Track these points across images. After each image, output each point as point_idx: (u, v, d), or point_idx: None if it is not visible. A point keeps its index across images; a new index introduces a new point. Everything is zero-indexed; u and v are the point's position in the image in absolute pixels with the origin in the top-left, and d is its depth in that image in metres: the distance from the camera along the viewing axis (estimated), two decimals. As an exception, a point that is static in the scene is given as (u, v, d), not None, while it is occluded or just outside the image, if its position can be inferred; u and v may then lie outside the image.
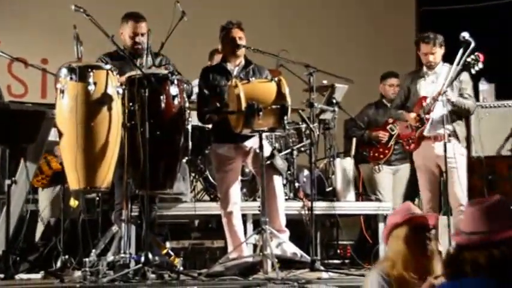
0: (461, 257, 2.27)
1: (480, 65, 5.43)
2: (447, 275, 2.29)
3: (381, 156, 6.80)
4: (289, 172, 6.17)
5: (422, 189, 5.81)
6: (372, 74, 7.49)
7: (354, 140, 6.77)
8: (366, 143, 6.83)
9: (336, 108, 6.36)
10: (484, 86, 6.91)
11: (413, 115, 5.66)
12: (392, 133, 6.77)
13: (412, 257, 3.06)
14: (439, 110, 5.55)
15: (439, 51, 5.61)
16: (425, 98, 5.65)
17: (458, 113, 5.61)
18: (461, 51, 5.35)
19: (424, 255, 3.06)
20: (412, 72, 5.90)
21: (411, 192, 6.84)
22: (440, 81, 5.62)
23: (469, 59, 5.42)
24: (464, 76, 5.62)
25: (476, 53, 5.42)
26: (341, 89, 6.40)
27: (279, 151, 5.88)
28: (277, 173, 5.15)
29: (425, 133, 5.59)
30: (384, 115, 6.89)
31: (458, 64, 5.43)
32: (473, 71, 5.47)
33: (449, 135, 5.56)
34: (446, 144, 5.45)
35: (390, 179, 6.84)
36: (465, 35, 5.36)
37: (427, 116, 5.59)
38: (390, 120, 6.81)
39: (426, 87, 5.68)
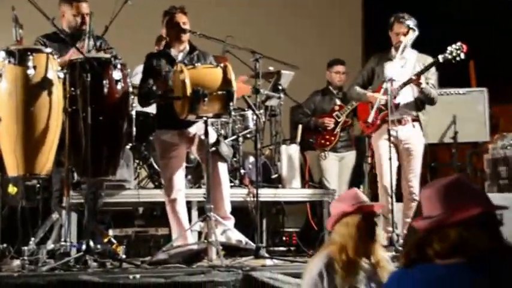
0: (419, 242, 2.18)
1: (462, 56, 5.48)
2: (404, 261, 2.20)
3: (327, 143, 6.86)
4: (234, 159, 6.17)
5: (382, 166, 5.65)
6: (320, 61, 7.54)
7: (300, 126, 6.80)
8: (312, 130, 6.88)
9: (282, 95, 6.39)
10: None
11: (382, 96, 5.50)
12: (339, 120, 6.84)
13: (363, 242, 3.22)
14: (406, 96, 5.60)
15: (411, 34, 5.58)
16: (391, 81, 5.58)
17: (423, 101, 5.67)
18: (406, 39, 5.43)
19: (372, 240, 3.24)
20: (379, 54, 5.83)
21: (356, 178, 6.95)
22: (409, 67, 5.64)
23: (452, 49, 5.46)
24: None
25: (459, 43, 5.47)
26: (287, 75, 6.43)
27: (225, 137, 5.88)
28: (222, 159, 5.15)
29: (391, 117, 5.52)
30: (330, 102, 6.95)
31: (402, 52, 5.50)
32: (453, 61, 5.51)
33: (413, 121, 5.63)
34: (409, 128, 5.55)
35: (336, 166, 6.91)
36: (409, 23, 5.44)
37: (394, 100, 5.59)
38: (336, 107, 6.89)
39: (393, 70, 5.61)
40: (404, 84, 5.54)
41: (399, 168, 5.62)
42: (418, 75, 5.50)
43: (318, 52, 8.51)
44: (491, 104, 7.15)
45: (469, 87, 7.53)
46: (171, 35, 5.19)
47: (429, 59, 5.65)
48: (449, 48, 5.47)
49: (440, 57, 5.49)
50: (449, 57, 5.47)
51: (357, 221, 3.24)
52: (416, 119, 5.65)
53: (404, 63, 5.67)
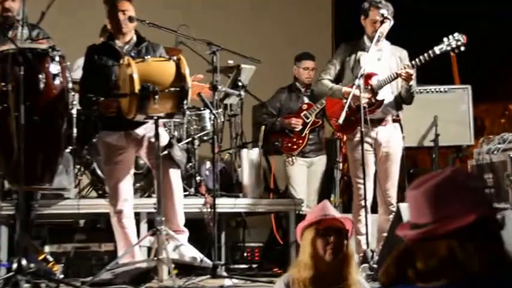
0: (400, 256, 2.01)
1: (463, 48, 5.52)
2: (383, 281, 2.02)
3: (295, 146, 6.90)
4: (189, 164, 6.18)
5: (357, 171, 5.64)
6: (286, 54, 7.59)
7: (263, 128, 6.84)
8: (278, 132, 6.91)
9: (242, 92, 6.41)
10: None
11: (363, 94, 5.40)
12: (307, 121, 6.89)
13: (319, 260, 3.22)
14: (386, 92, 5.63)
15: (388, 24, 5.60)
16: (370, 75, 5.59)
17: (403, 99, 5.71)
18: (379, 30, 5.49)
19: (332, 259, 3.22)
20: (350, 43, 5.80)
21: (327, 187, 7.01)
22: (385, 60, 5.66)
23: (451, 40, 5.50)
24: (407, 57, 5.72)
25: (458, 34, 5.51)
26: (248, 70, 6.46)
27: (178, 140, 5.88)
28: (175, 165, 5.16)
29: (370, 116, 5.50)
30: (297, 101, 7.00)
31: (377, 43, 5.53)
32: (452, 54, 5.57)
33: (393, 121, 5.68)
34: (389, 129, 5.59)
35: (304, 173, 6.96)
36: (384, 12, 5.50)
37: (378, 98, 5.59)
38: (304, 107, 6.94)
39: (369, 63, 5.59)
40: (392, 79, 5.57)
41: (374, 175, 5.66)
42: (410, 68, 5.50)
43: (284, 44, 8.56)
44: (476, 103, 7.24)
45: (451, 84, 7.60)
46: (113, 24, 5.19)
47: (404, 52, 5.70)
48: (446, 38, 5.52)
49: (437, 49, 5.51)
50: (448, 48, 5.52)
51: (311, 235, 3.25)
52: (396, 119, 5.71)
53: (381, 56, 5.71)
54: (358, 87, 5.38)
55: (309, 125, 6.90)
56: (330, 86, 5.71)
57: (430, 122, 6.92)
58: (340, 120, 5.35)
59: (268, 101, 7.06)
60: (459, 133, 6.96)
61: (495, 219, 2.00)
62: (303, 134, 6.91)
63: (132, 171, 5.29)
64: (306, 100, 6.99)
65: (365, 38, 5.69)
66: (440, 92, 7.06)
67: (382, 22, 5.53)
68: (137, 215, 5.48)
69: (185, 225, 5.23)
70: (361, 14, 5.67)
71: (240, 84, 6.40)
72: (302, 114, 6.92)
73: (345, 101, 5.49)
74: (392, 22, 5.57)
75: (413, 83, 5.58)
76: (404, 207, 5.26)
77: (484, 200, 2.03)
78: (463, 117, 6.96)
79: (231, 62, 6.43)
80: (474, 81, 7.19)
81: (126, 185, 5.18)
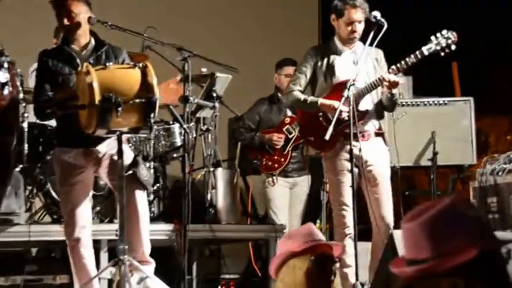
0: None
1: (453, 47, 5.47)
2: None
3: (276, 165, 6.88)
4: (157, 185, 6.14)
5: (342, 197, 5.58)
6: (266, 61, 7.59)
7: (240, 144, 6.83)
8: (257, 149, 6.89)
9: (217, 104, 6.38)
10: (400, 78, 7.05)
11: (342, 107, 5.29)
12: (290, 136, 6.88)
13: None
14: (367, 101, 5.58)
15: (363, 24, 5.56)
16: (348, 82, 5.43)
17: (386, 108, 5.66)
18: (372, 34, 5.44)
19: None
20: (320, 47, 5.77)
21: (312, 211, 6.98)
22: (361, 64, 5.55)
23: (439, 38, 5.45)
24: (383, 59, 5.68)
25: (448, 31, 5.47)
26: (223, 79, 6.42)
27: (144, 158, 5.86)
28: (140, 186, 5.12)
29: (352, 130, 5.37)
30: (279, 113, 6.98)
31: (371, 45, 5.48)
32: (442, 54, 5.49)
33: (376, 134, 5.63)
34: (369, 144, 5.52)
35: (286, 195, 6.95)
36: (376, 14, 5.45)
37: (360, 108, 5.50)
38: (287, 120, 6.91)
39: (345, 68, 5.56)
40: (375, 86, 5.50)
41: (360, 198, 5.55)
42: (394, 73, 5.44)
43: (265, 50, 8.56)
44: (479, 117, 7.28)
45: (451, 95, 7.65)
46: (62, 28, 5.17)
47: (380, 53, 5.66)
48: (434, 37, 5.47)
49: (425, 49, 5.45)
50: (437, 48, 5.47)
51: (306, 265, 3.16)
52: (379, 132, 5.66)
53: (356, 59, 5.62)
54: (348, 99, 5.31)
55: (291, 141, 6.87)
56: (302, 97, 5.64)
57: (427, 139, 6.92)
58: (327, 136, 5.26)
59: (245, 114, 7.04)
60: (460, 151, 6.97)
61: (500, 252, 2.04)
62: (285, 151, 6.88)
63: (91, 193, 5.24)
64: (289, 113, 6.97)
65: (336, 40, 5.66)
66: (439, 104, 7.06)
67: (361, 22, 5.51)
68: (97, 243, 5.44)
69: (151, 255, 5.18)
70: (332, 13, 5.62)
71: (214, 95, 6.35)
72: (284, 128, 6.91)
73: (320, 114, 5.49)
74: (363, 21, 5.54)
75: (396, 90, 5.53)
76: (398, 235, 5.22)
77: (487, 232, 2.05)
78: (465, 133, 6.97)
79: (204, 69, 6.39)
80: (477, 93, 7.21)
81: (85, 209, 5.12)
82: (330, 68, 5.61)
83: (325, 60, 5.65)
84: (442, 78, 7.68)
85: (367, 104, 5.57)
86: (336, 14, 5.60)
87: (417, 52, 5.45)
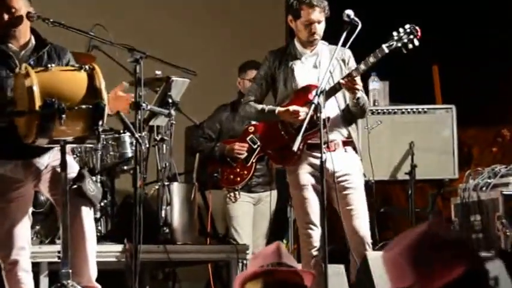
0: None
1: (416, 42, 5.48)
2: None
3: (238, 179, 6.88)
4: (104, 201, 6.10)
5: (309, 215, 5.57)
6: (228, 64, 7.63)
7: (199, 156, 6.87)
8: (217, 161, 6.89)
9: (173, 111, 6.35)
10: (375, 84, 7.16)
11: (305, 110, 5.35)
12: (254, 146, 6.86)
13: None
14: (332, 107, 5.56)
15: (323, 24, 5.58)
16: (309, 88, 5.52)
17: (353, 114, 5.64)
18: (344, 34, 5.43)
19: None
20: (277, 51, 5.75)
21: (278, 230, 7.01)
22: (324, 67, 5.55)
23: (400, 34, 5.47)
24: (352, 59, 5.67)
25: (410, 25, 5.49)
26: (180, 83, 6.40)
27: (91, 171, 5.84)
28: (86, 202, 5.05)
29: (314, 140, 5.41)
30: (242, 121, 6.97)
31: (344, 46, 5.49)
32: (404, 51, 5.50)
33: (344, 143, 5.61)
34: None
35: (250, 212, 6.98)
36: (350, 13, 5.45)
37: (322, 115, 5.37)
38: (251, 129, 6.90)
39: (305, 73, 5.58)
40: (335, 90, 5.48)
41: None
42: (354, 76, 5.43)
43: (227, 52, 8.58)
44: (462, 127, 7.35)
45: (431, 103, 7.68)
46: (2, 23, 5.09)
47: (347, 52, 5.66)
48: (395, 33, 5.49)
49: (385, 47, 5.47)
50: (398, 45, 5.48)
51: None
52: (348, 141, 5.64)
53: (318, 61, 5.65)
54: (317, 107, 5.29)
55: (256, 152, 6.86)
56: (260, 107, 5.66)
57: (405, 150, 6.96)
58: (295, 147, 5.28)
59: (205, 122, 7.05)
60: (441, 164, 7.03)
61: (486, 272, 2.18)
62: (249, 164, 6.88)
63: (31, 210, 5.17)
64: (253, 121, 6.95)
65: (296, 42, 5.67)
66: (418, 112, 7.11)
67: (320, 22, 5.53)
68: (36, 266, 5.39)
69: (98, 280, 5.11)
70: (290, 13, 5.64)
71: (170, 101, 6.33)
72: (248, 138, 6.90)
73: (280, 125, 5.52)
74: (323, 20, 5.55)
75: (361, 94, 5.53)
76: (373, 256, 5.23)
77: (469, 253, 2.21)
78: (446, 145, 7.03)
79: (159, 72, 6.39)
80: (460, 100, 7.26)
81: (23, 229, 5.05)
82: (290, 73, 5.62)
83: (284, 64, 5.66)
84: (422, 83, 7.72)
85: (329, 110, 5.54)
86: (293, 15, 5.61)
87: (377, 50, 5.48)
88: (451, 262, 2.15)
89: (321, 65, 5.61)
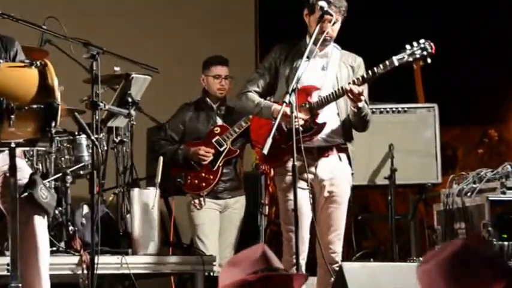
0: None
1: (429, 60, 5.58)
2: None
3: (203, 184, 6.93)
4: (58, 209, 6.09)
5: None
6: (192, 60, 7.64)
7: (161, 159, 6.76)
8: (181, 165, 6.92)
9: (133, 111, 6.36)
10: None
11: (300, 114, 5.44)
12: (221, 149, 6.92)
13: None
14: (330, 114, 5.64)
15: (338, 25, 5.62)
16: (309, 89, 5.59)
17: (354, 125, 5.72)
18: (317, 28, 5.50)
19: None
20: (286, 45, 5.80)
21: (248, 239, 6.96)
22: (332, 70, 5.66)
23: (416, 49, 5.54)
24: (362, 67, 5.73)
25: (425, 41, 5.56)
26: (140, 81, 6.41)
27: (43, 176, 5.82)
28: (39, 210, 5.03)
29: (308, 144, 5.52)
30: (207, 122, 7.03)
31: (313, 42, 5.53)
32: (414, 66, 5.63)
33: (338, 149, 5.68)
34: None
35: (216, 220, 7.00)
36: (323, 4, 5.50)
37: (317, 119, 5.58)
38: (217, 130, 6.95)
39: (311, 73, 5.59)
40: (336, 96, 5.57)
41: (313, 222, 5.64)
42: (358, 84, 5.52)
43: (193, 47, 8.58)
44: (445, 127, 7.39)
45: (412, 101, 7.74)
46: None
47: (358, 60, 5.76)
48: (408, 46, 5.57)
49: (396, 60, 5.56)
50: (410, 59, 5.59)
51: None
52: (343, 149, 5.73)
53: (326, 64, 5.73)
54: (289, 104, 5.36)
55: (222, 156, 6.93)
56: (256, 101, 5.72)
57: (383, 153, 7.00)
58: (265, 149, 5.28)
59: (167, 123, 7.06)
60: (422, 168, 7.06)
61: None
62: (215, 167, 6.93)
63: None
64: (219, 121, 7.04)
65: (307, 39, 5.70)
66: (398, 112, 7.17)
67: (320, 17, 5.53)
68: (-17, 280, 5.34)
69: (53, 294, 5.12)
70: (305, 7, 5.69)
71: (129, 100, 6.35)
72: (214, 140, 6.95)
73: (273, 122, 5.48)
74: (339, 21, 5.59)
75: (363, 104, 5.60)
76: (348, 267, 5.27)
77: (507, 269, 2.31)
78: (428, 147, 7.08)
79: (117, 69, 6.39)
80: (442, 99, 7.29)
81: (-31, 239, 5.06)
82: (294, 71, 5.61)
83: (291, 61, 5.71)
84: (402, 80, 7.73)
85: (329, 116, 5.65)
86: (308, 10, 5.67)
87: (387, 62, 5.57)
88: (490, 279, 2.24)
89: (328, 67, 5.68)
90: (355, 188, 6.49)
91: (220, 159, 6.92)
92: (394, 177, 6.91)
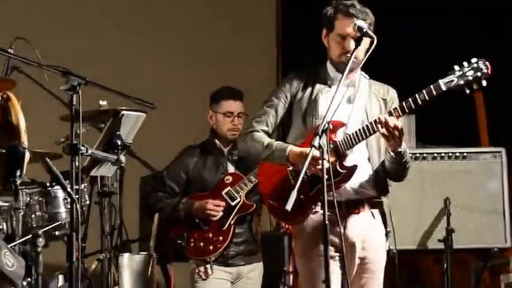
0: None
1: (484, 82, 5.43)
2: None
3: (211, 247, 6.86)
4: (27, 280, 5.87)
5: None
6: (198, 94, 7.63)
7: (158, 216, 6.81)
8: (183, 223, 6.86)
9: (123, 157, 6.22)
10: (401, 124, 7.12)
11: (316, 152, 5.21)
12: (233, 203, 6.86)
13: None
14: (362, 158, 5.55)
15: (365, 44, 5.51)
16: (335, 126, 5.40)
17: (389, 174, 5.62)
18: (354, 53, 5.38)
19: None
20: (303, 72, 5.72)
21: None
22: (360, 103, 5.59)
23: (467, 70, 5.44)
24: (396, 101, 5.65)
25: (479, 60, 5.46)
26: (132, 119, 6.33)
27: (8, 239, 5.73)
28: (3, 282, 5.12)
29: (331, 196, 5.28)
30: (216, 168, 6.98)
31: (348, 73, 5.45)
32: (467, 91, 5.45)
33: (370, 204, 5.58)
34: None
35: (226, 292, 6.98)
36: (361, 24, 5.41)
37: (345, 162, 5.42)
38: (228, 180, 6.90)
39: (335, 105, 5.39)
40: (369, 132, 5.43)
41: None
42: (396, 115, 5.39)
43: (198, 79, 8.64)
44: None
45: (473, 145, 7.71)
46: None
47: (392, 92, 5.70)
48: (457, 67, 5.45)
49: (443, 84, 5.41)
50: (461, 82, 5.44)
51: None
52: (376, 203, 5.63)
53: (354, 95, 5.62)
54: (320, 148, 5.18)
55: (235, 211, 6.86)
56: (266, 142, 5.61)
57: (438, 210, 6.98)
58: (289, 205, 5.10)
59: (166, 170, 7.01)
60: (487, 228, 7.03)
61: None
62: (225, 227, 6.86)
63: None
64: (231, 168, 6.99)
65: (328, 65, 5.67)
66: (456, 158, 7.16)
67: (358, 40, 5.47)
68: None
69: None
70: (324, 25, 5.63)
71: (119, 142, 6.24)
72: (224, 192, 6.90)
73: (290, 168, 5.46)
74: (375, 41, 5.48)
75: (404, 147, 5.51)
76: None
77: None
78: (493, 202, 7.06)
79: (104, 103, 6.38)
80: (512, 142, 7.31)
81: None
82: (312, 104, 5.58)
83: (309, 92, 5.64)
84: (460, 117, 7.66)
85: (358, 158, 5.53)
86: (327, 26, 5.61)
87: (432, 87, 5.42)
88: None
89: (356, 99, 5.59)
90: (401, 253, 6.38)
91: (232, 216, 6.86)
92: (451, 240, 6.88)
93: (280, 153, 5.51)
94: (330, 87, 5.57)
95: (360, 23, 5.43)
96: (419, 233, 6.99)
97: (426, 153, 6.89)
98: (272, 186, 5.67)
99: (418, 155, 7.03)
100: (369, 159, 5.57)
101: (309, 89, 5.63)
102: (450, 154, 7.10)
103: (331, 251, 5.38)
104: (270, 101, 5.69)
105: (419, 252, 7.16)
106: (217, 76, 8.26)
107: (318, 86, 5.61)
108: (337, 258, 5.47)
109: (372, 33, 5.44)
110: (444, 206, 6.91)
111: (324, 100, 5.54)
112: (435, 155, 7.04)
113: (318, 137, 5.22)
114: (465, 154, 7.12)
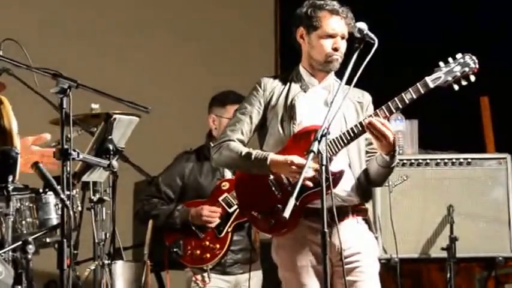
0: None
1: (472, 78, 5.50)
2: None
3: (207, 255, 6.93)
4: (18, 288, 6.04)
5: None
6: (197, 95, 7.75)
7: (152, 223, 6.87)
8: (178, 230, 6.93)
9: (115, 162, 6.28)
10: (398, 124, 7.18)
11: (311, 164, 5.15)
12: (230, 210, 6.93)
13: None
14: (343, 159, 5.56)
15: (345, 43, 5.59)
16: (315, 130, 5.34)
17: (370, 180, 5.64)
18: (355, 56, 5.36)
19: None
20: (274, 78, 5.76)
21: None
22: (337, 106, 5.38)
23: (454, 65, 5.50)
24: (371, 106, 5.70)
25: (466, 55, 5.52)
26: (125, 123, 6.36)
27: (-2, 246, 5.78)
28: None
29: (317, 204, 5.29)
30: (213, 174, 7.07)
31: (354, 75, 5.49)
32: (456, 87, 5.50)
33: (354, 211, 5.59)
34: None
35: (224, 301, 6.99)
36: (362, 26, 5.43)
37: (333, 168, 5.34)
38: (225, 186, 6.96)
39: (312, 111, 5.56)
40: (353, 135, 5.45)
41: None
42: (383, 116, 5.41)
43: (199, 82, 8.66)
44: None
45: (478, 150, 7.71)
46: None
47: (366, 96, 5.73)
48: (442, 64, 5.52)
49: (430, 80, 5.46)
50: (448, 78, 5.50)
51: None
52: (359, 209, 5.64)
53: (329, 98, 5.59)
54: (318, 154, 5.14)
55: (232, 218, 6.93)
56: (244, 151, 5.59)
57: (441, 217, 7.01)
58: (287, 213, 5.04)
59: (161, 176, 7.08)
60: (491, 236, 7.07)
61: None
62: (223, 234, 6.94)
63: None
64: (228, 174, 7.03)
65: (302, 69, 5.70)
66: (459, 164, 7.18)
67: (344, 37, 5.56)
68: None
69: None
70: (299, 25, 5.68)
71: (111, 147, 6.29)
72: (221, 198, 6.96)
73: (271, 177, 5.48)
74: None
75: (397, 149, 5.51)
76: None
77: None
78: (498, 209, 7.10)
79: (95, 106, 6.48)
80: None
81: None
82: (289, 110, 5.59)
83: (283, 97, 5.65)
84: (464, 122, 7.71)
85: (342, 162, 5.55)
86: (306, 26, 5.63)
87: (418, 85, 5.46)
88: None
89: (333, 103, 5.44)
90: (403, 262, 6.45)
91: (230, 223, 6.94)
92: (455, 249, 6.89)
93: (260, 162, 5.50)
94: (305, 92, 5.60)
95: (361, 24, 5.44)
96: (422, 241, 7.02)
97: (429, 159, 6.93)
98: (251, 197, 5.69)
99: (420, 161, 7.06)
100: (349, 165, 5.58)
101: (284, 95, 5.65)
102: (454, 160, 7.13)
103: (315, 261, 5.46)
104: (243, 108, 5.70)
105: (422, 260, 7.17)
106: (212, 81, 8.29)
107: (292, 91, 5.63)
108: (319, 268, 5.40)
109: (373, 36, 5.42)
110: (447, 213, 6.94)
111: (300, 105, 5.57)
112: (438, 161, 7.07)
113: (317, 142, 5.26)
114: (469, 160, 7.15)
